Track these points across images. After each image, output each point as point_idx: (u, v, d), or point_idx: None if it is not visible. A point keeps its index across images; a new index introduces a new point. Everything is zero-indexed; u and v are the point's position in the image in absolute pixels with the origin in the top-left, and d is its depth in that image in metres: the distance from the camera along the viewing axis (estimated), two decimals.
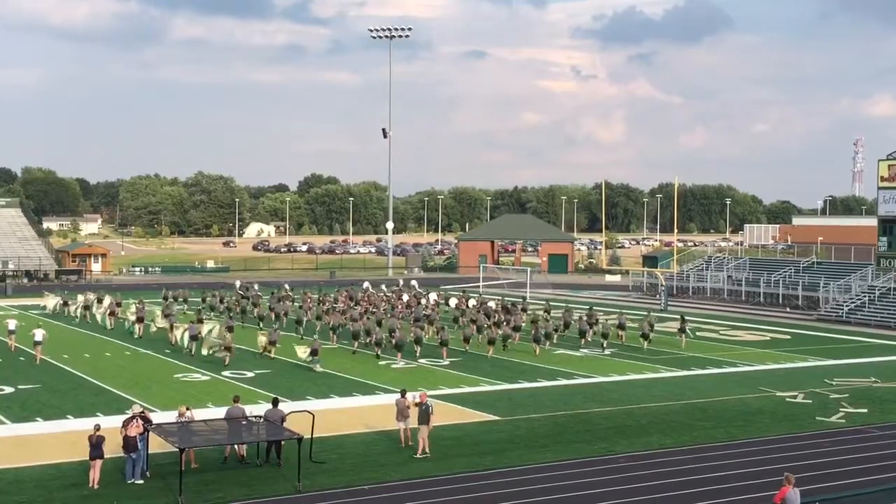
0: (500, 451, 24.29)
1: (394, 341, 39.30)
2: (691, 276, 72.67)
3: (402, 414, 24.35)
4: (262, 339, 39.52)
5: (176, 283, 76.54)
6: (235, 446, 22.56)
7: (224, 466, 22.35)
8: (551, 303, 56.36)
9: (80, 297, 54.50)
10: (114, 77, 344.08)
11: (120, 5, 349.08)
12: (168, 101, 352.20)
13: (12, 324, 40.46)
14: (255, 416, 23.24)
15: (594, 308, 52.72)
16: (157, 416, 24.73)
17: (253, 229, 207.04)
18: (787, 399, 31.75)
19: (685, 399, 31.54)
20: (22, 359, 37.93)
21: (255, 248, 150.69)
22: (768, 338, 48.39)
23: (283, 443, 22.36)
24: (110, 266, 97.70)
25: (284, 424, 22.48)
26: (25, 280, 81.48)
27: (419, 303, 54.18)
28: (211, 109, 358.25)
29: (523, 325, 45.32)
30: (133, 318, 46.05)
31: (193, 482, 20.54)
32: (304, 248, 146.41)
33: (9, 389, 31.62)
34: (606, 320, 47.43)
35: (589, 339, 43.64)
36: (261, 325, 47.70)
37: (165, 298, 56.39)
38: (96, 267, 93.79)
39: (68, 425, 26.53)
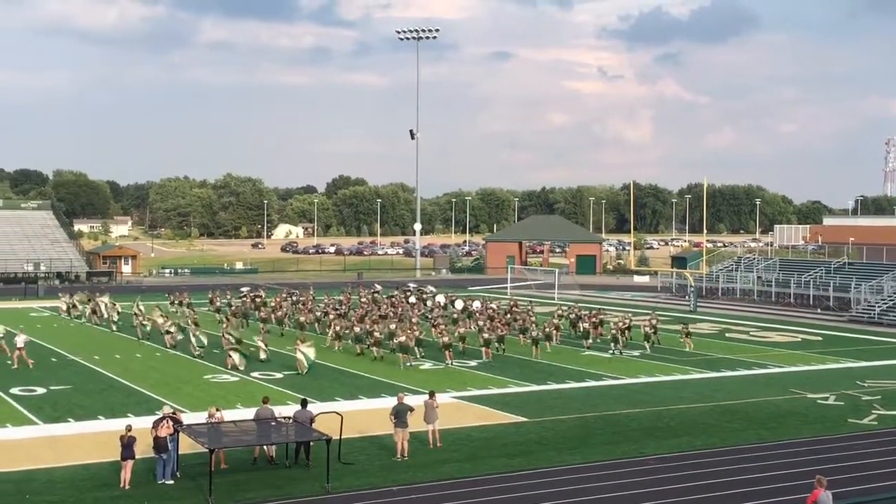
0: (529, 452, 24.23)
1: (392, 343, 39.18)
2: (721, 277, 72.23)
3: (429, 415, 24.37)
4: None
5: (204, 284, 76.98)
6: (265, 447, 22.68)
7: (253, 467, 22.46)
8: (563, 306, 55.88)
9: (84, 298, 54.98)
10: (142, 80, 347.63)
11: (147, 9, 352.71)
12: (196, 104, 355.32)
13: (0, 329, 40.40)
14: (284, 417, 23.32)
15: (603, 309, 52.73)
16: (188, 417, 24.90)
17: (281, 231, 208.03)
18: (818, 401, 31.45)
19: (715, 401, 31.33)
20: (8, 363, 37.24)
21: (283, 249, 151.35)
22: (799, 339, 47.96)
23: (311, 444, 22.43)
24: (140, 268, 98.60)
25: (313, 425, 22.58)
26: (57, 282, 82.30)
27: (425, 304, 53.92)
28: (239, 112, 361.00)
29: (528, 327, 45.14)
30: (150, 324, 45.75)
31: (223, 483, 20.66)
32: (332, 249, 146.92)
33: (41, 390, 31.96)
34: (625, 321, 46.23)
35: (592, 341, 43.48)
36: (262, 327, 46.67)
37: (172, 303, 56.63)
38: (126, 269, 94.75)
39: (99, 426, 26.77)
